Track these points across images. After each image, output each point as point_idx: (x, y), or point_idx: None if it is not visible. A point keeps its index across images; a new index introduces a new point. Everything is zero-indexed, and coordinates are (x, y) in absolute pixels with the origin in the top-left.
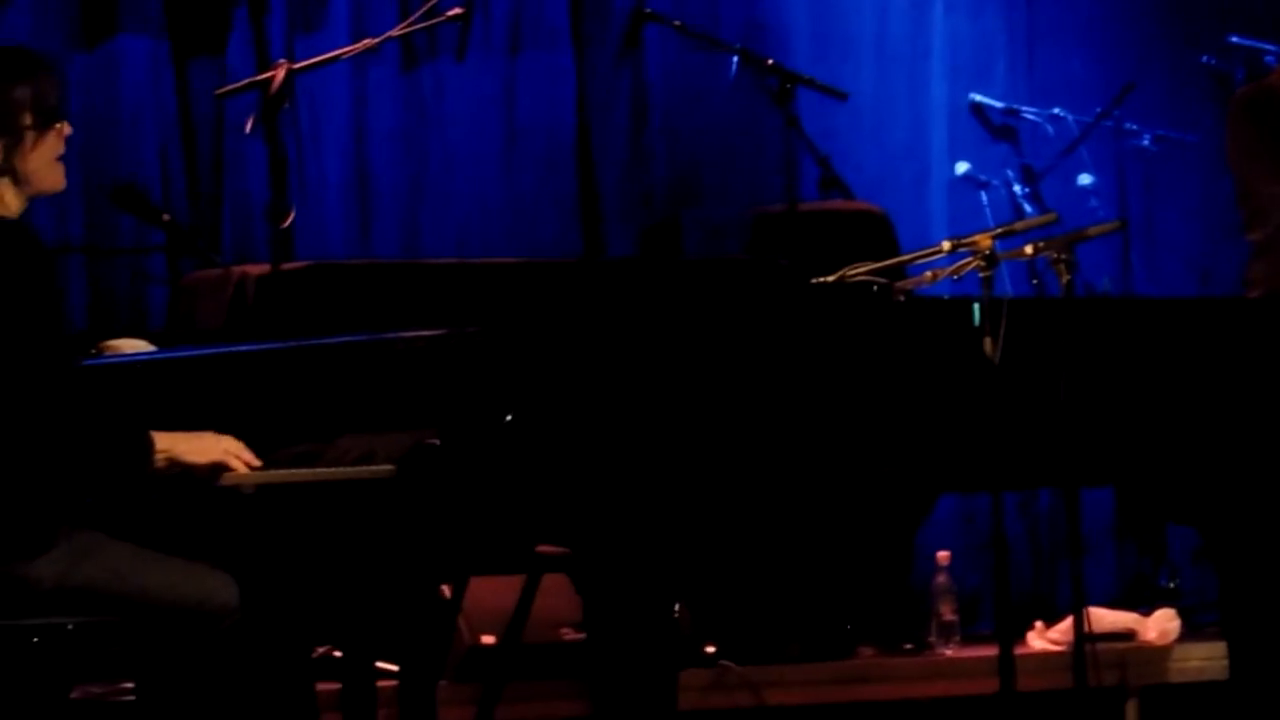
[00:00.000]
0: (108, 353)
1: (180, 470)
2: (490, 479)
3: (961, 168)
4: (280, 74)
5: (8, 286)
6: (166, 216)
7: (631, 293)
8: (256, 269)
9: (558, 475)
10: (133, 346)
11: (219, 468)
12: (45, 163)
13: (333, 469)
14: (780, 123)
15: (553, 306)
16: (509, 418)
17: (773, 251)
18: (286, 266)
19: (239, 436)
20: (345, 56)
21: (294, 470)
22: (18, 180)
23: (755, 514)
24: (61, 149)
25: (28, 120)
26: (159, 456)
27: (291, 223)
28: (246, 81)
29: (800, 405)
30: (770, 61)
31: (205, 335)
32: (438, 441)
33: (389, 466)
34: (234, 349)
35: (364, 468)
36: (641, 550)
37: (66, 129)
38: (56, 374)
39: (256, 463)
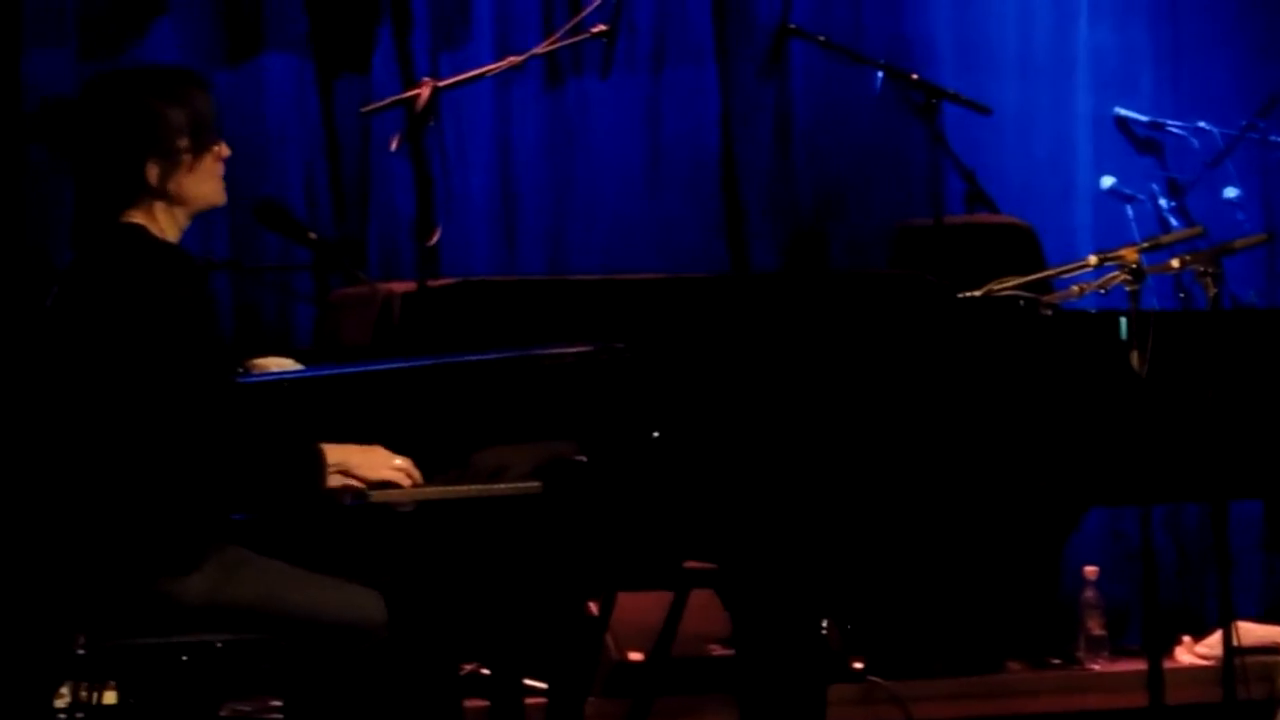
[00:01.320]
0: (254, 371)
1: (352, 485)
2: (637, 495)
3: (1107, 182)
4: (425, 91)
5: (169, 309)
6: (313, 234)
7: (777, 307)
8: (402, 286)
9: (705, 492)
10: (278, 364)
11: (386, 484)
12: (204, 183)
13: (488, 486)
14: (924, 137)
15: (699, 321)
16: (655, 434)
17: (918, 265)
18: (433, 283)
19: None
20: (490, 74)
21: (451, 487)
22: (175, 202)
23: (903, 529)
24: (220, 170)
25: (184, 143)
26: (332, 470)
27: (437, 240)
28: (392, 99)
29: (947, 419)
30: (915, 76)
31: (352, 352)
32: (584, 458)
33: (537, 484)
34: (381, 366)
35: (516, 484)
36: (790, 567)
37: (224, 150)
38: (217, 393)
39: (419, 482)
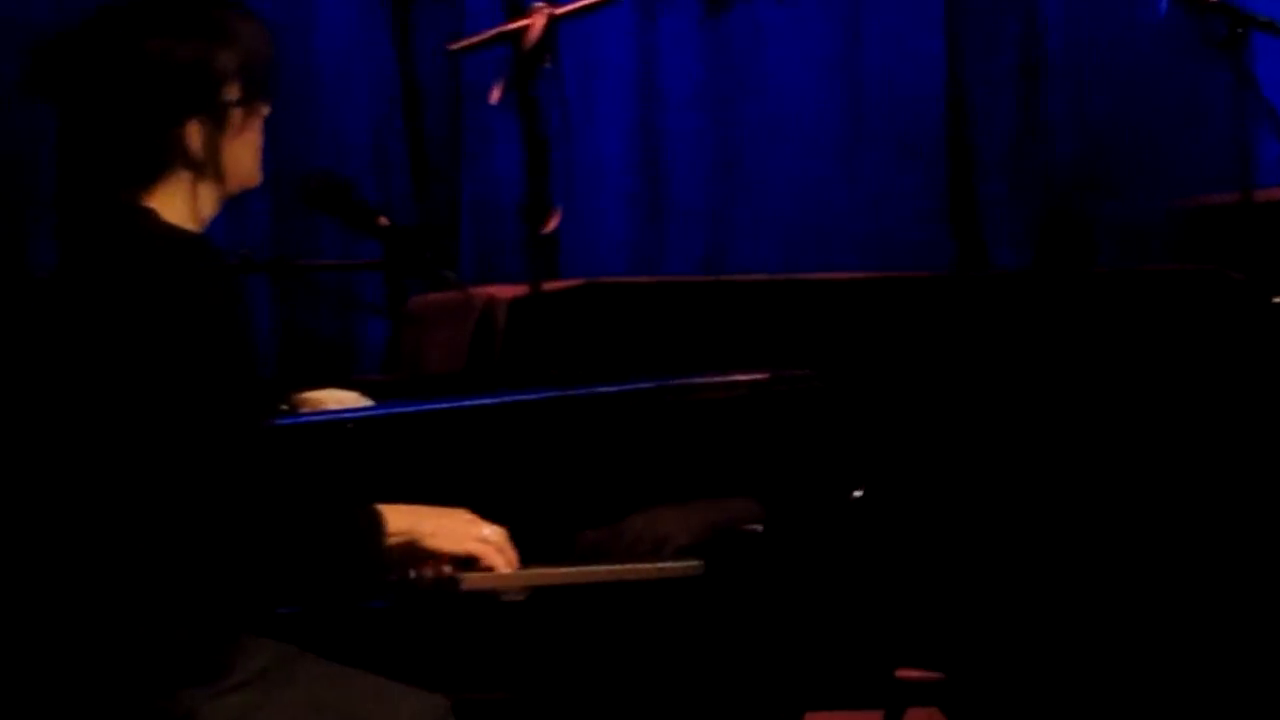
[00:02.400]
0: (304, 408)
1: (419, 561)
2: (832, 577)
3: None
4: (538, 22)
5: (189, 325)
6: (384, 220)
7: (1024, 317)
8: (508, 291)
9: (927, 571)
10: (339, 400)
11: (469, 561)
12: (247, 152)
13: (618, 567)
14: (1227, 81)
15: (915, 338)
16: (857, 493)
17: (1218, 258)
18: (549, 287)
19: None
20: None
21: (576, 569)
22: (209, 177)
23: (1198, 612)
24: (261, 137)
25: (234, 94)
26: (394, 539)
27: (555, 226)
28: (492, 32)
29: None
30: None
31: (439, 382)
32: (759, 527)
33: (694, 562)
34: (481, 401)
35: (661, 564)
36: (1043, 676)
37: (265, 108)
38: (252, 439)
39: (515, 559)
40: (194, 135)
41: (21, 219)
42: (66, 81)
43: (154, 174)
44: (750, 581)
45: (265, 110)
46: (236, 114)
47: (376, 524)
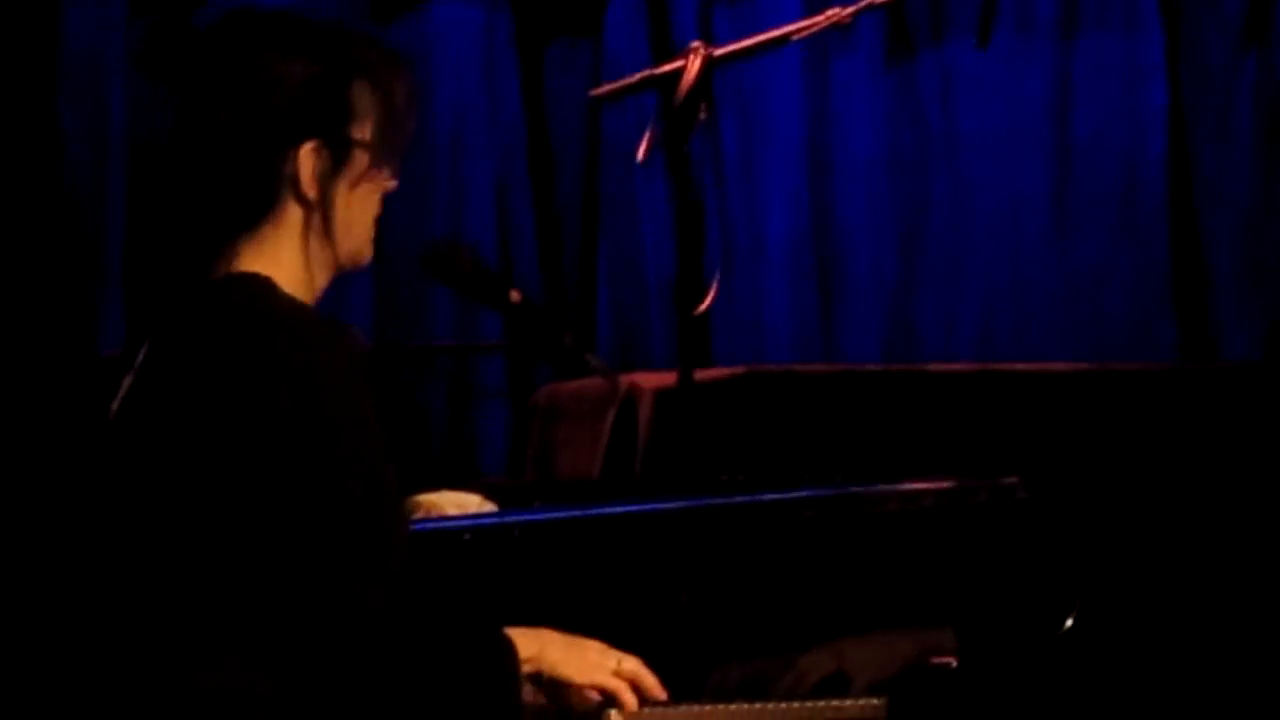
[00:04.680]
0: (419, 513)
1: (547, 694)
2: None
3: None
4: (693, 66)
5: (326, 420)
6: (516, 295)
7: (1259, 416)
8: (652, 379)
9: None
10: (459, 504)
11: (604, 699)
12: (364, 218)
13: (784, 706)
14: None
15: (1135, 439)
16: (1069, 622)
17: None
18: (702, 375)
19: (629, 648)
20: (798, 37)
21: (727, 708)
22: (322, 226)
23: None
24: (378, 210)
25: (363, 135)
26: (524, 667)
27: (710, 306)
28: (639, 76)
29: None
30: None
31: (573, 487)
32: (952, 661)
33: (875, 700)
34: (621, 509)
35: (837, 702)
36: None
37: (392, 183)
38: (391, 550)
39: (660, 691)
40: (307, 162)
41: (91, 298)
42: (186, 71)
43: (262, 206)
44: None
45: (389, 182)
46: (360, 159)
47: (511, 653)
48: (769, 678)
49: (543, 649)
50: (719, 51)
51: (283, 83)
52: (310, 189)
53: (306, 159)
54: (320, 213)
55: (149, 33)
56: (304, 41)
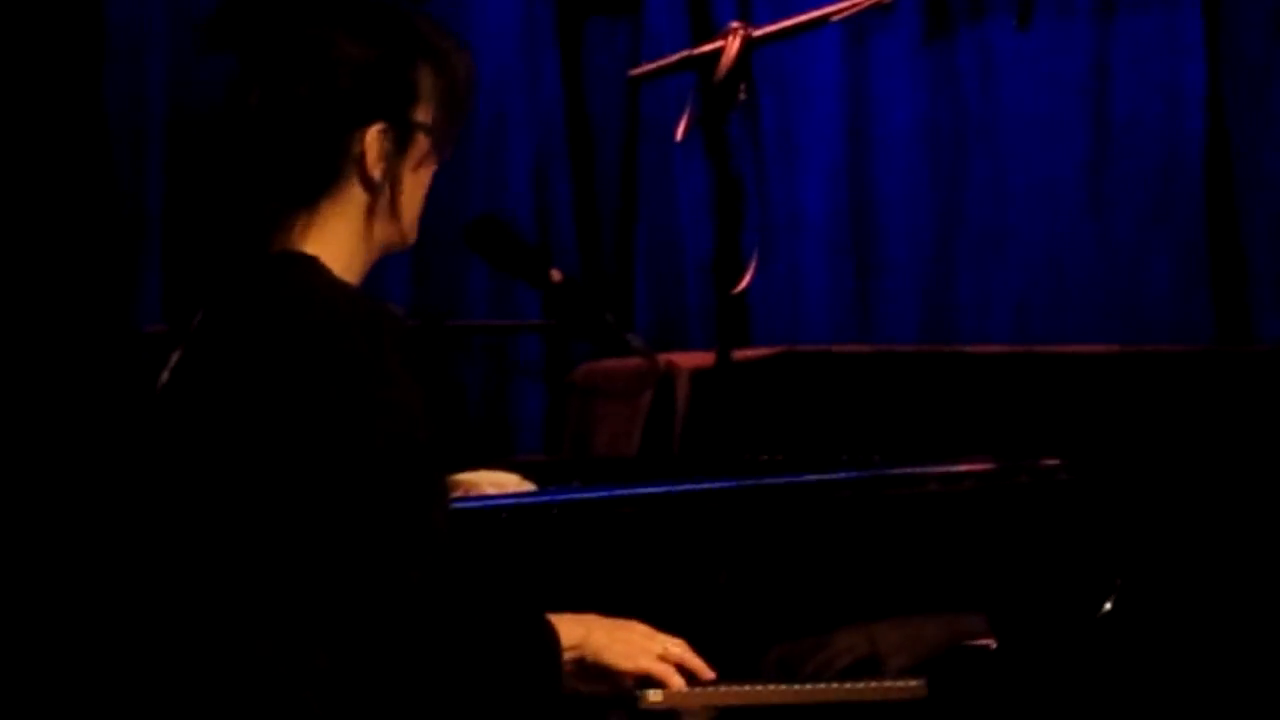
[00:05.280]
0: (456, 491)
1: (593, 680)
2: (1075, 706)
3: None
4: (732, 46)
5: (380, 402)
6: (557, 274)
7: None
8: (690, 359)
9: (1188, 702)
10: (496, 484)
11: (646, 680)
12: (416, 199)
13: (825, 686)
14: None
15: (1172, 421)
16: (1107, 605)
17: None
18: (740, 355)
19: (668, 628)
20: (837, 17)
21: (765, 688)
22: (385, 206)
23: None
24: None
25: (426, 117)
26: (567, 656)
27: (749, 283)
28: (678, 56)
29: None
30: None
31: (610, 466)
32: (991, 642)
33: (914, 682)
34: (658, 489)
35: (878, 683)
36: None
37: (441, 159)
38: (438, 532)
39: (708, 672)
40: (374, 144)
41: (132, 273)
42: (258, 44)
43: (324, 184)
44: (980, 707)
45: (437, 163)
46: (422, 142)
47: (553, 639)
48: (800, 658)
49: (587, 635)
50: (758, 32)
51: (351, 62)
52: (376, 170)
53: (374, 141)
54: (387, 195)
55: (221, 2)
56: (371, 22)
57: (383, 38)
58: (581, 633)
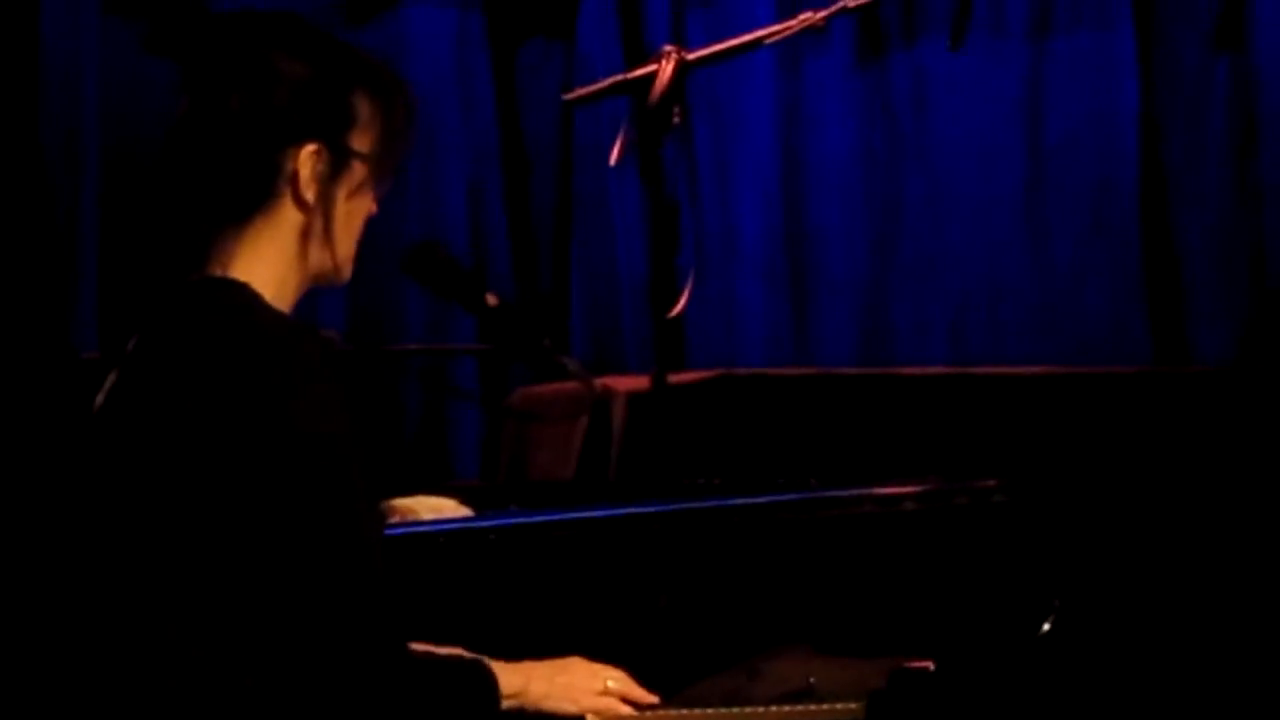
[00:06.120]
0: (394, 517)
1: None
2: None
3: None
4: (666, 70)
5: (309, 430)
6: (493, 298)
7: (1232, 419)
8: (626, 383)
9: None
10: (434, 509)
11: None
12: (351, 228)
13: (762, 710)
14: None
15: (1108, 442)
16: (1045, 626)
17: None
18: (678, 378)
19: (608, 653)
20: (771, 40)
21: (703, 712)
22: (319, 230)
23: None
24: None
25: (363, 146)
26: (506, 705)
27: (684, 308)
28: (612, 80)
29: None
30: None
31: (548, 491)
32: (929, 664)
33: (853, 704)
34: (594, 514)
35: (811, 706)
36: None
37: (374, 206)
38: (369, 562)
39: (649, 700)
40: (307, 163)
41: (64, 296)
42: (197, 53)
43: (257, 199)
44: None
45: (373, 202)
46: (358, 170)
47: (491, 685)
48: (737, 685)
49: (526, 685)
50: (692, 56)
51: (287, 79)
52: (309, 190)
53: (307, 159)
54: (319, 217)
55: (163, 12)
56: (312, 44)
57: (322, 60)
58: (520, 682)
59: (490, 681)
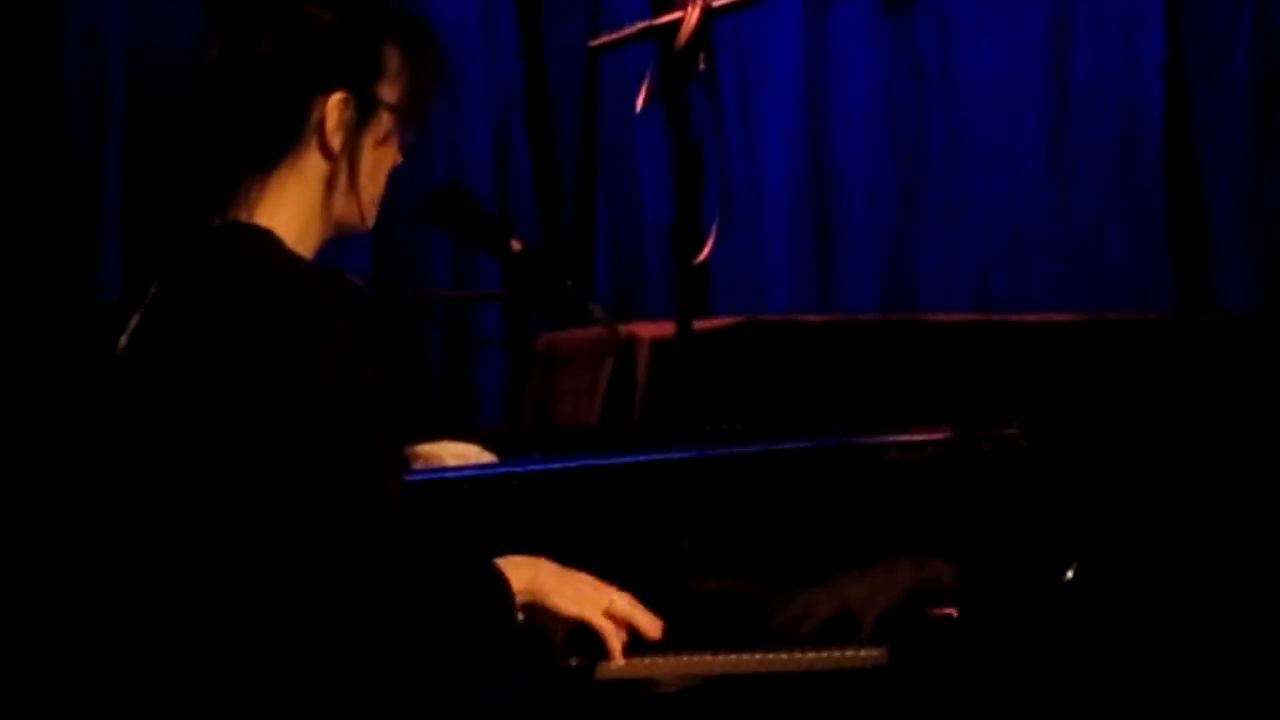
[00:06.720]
0: (418, 463)
1: (529, 617)
2: (1037, 674)
3: None
4: (692, 16)
5: (335, 376)
6: (517, 244)
7: (1257, 366)
8: (650, 329)
9: (1152, 670)
10: (458, 454)
11: (573, 642)
12: (377, 178)
13: (782, 655)
14: None
15: (1131, 389)
16: (1069, 573)
17: None
18: (700, 325)
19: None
20: None
21: (725, 658)
22: (344, 177)
23: None
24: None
25: (392, 97)
26: (519, 601)
27: (708, 254)
28: (637, 27)
29: None
30: None
31: (571, 436)
32: (952, 611)
33: (876, 651)
34: (618, 460)
35: (835, 652)
36: None
37: (400, 149)
38: (393, 507)
39: (655, 629)
40: (335, 111)
41: (89, 238)
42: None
43: (283, 146)
44: (942, 676)
45: (398, 153)
46: (385, 120)
47: (505, 589)
48: (769, 606)
49: (536, 577)
50: (717, 2)
51: (317, 26)
52: (335, 139)
53: (334, 108)
54: (345, 165)
55: None
56: (355, 7)
57: (353, 10)
58: (530, 575)
59: (504, 585)
